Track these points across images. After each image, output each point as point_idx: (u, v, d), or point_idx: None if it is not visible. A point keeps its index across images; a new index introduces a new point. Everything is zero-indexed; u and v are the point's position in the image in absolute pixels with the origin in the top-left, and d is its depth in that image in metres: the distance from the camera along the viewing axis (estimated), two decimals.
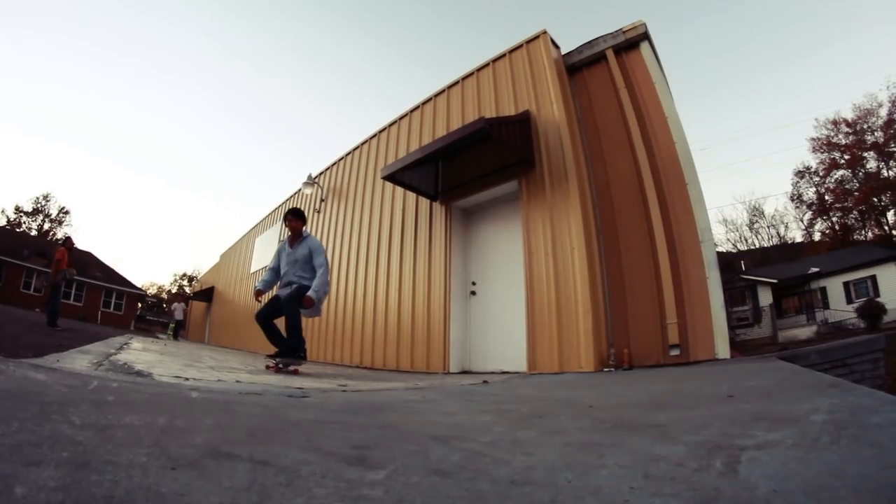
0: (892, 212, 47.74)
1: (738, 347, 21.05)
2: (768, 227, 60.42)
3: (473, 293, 7.57)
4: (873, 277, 30.87)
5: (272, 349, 5.70)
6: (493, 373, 6.52)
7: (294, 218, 5.95)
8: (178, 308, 23.93)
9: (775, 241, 59.58)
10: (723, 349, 5.22)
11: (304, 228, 6.07)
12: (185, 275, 78.03)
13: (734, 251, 58.35)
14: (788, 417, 1.61)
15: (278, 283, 6.09)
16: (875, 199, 46.73)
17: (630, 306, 5.86)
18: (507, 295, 6.92)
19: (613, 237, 6.22)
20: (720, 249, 57.09)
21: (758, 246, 59.85)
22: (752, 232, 61.13)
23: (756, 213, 60.77)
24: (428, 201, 8.27)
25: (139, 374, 3.37)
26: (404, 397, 3.25)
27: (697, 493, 1.04)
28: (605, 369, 5.46)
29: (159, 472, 1.04)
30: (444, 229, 7.86)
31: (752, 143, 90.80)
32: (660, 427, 1.72)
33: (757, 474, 1.13)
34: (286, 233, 6.19)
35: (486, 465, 1.30)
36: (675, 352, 5.41)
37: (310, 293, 5.58)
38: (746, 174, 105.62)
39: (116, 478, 0.97)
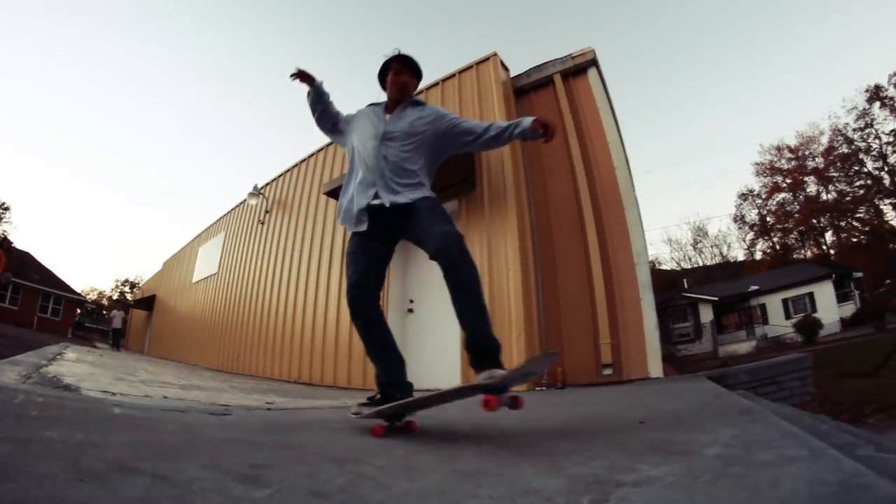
0: (829, 233, 51.24)
1: (677, 363, 21.81)
2: (711, 246, 63.49)
3: (411, 311, 7.51)
4: (811, 294, 32.86)
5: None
6: (428, 390, 6.41)
7: (407, 70, 3.00)
8: (117, 316, 23.09)
9: (718, 259, 62.71)
10: (655, 368, 5.33)
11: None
12: (127, 281, 74.48)
13: (678, 269, 60.56)
14: (684, 450, 1.58)
15: (350, 182, 2.93)
16: (814, 221, 50.16)
17: (564, 326, 5.91)
18: (444, 313, 6.77)
19: (550, 259, 6.27)
20: (664, 268, 59.89)
21: (701, 264, 62.34)
22: (695, 251, 63.90)
23: (700, 233, 64.03)
24: None
25: (67, 387, 3.32)
26: (325, 416, 3.22)
27: None
28: (538, 388, 5.48)
29: (67, 482, 1.11)
30: None
31: (698, 166, 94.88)
32: (554, 456, 1.69)
33: None
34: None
35: (365, 490, 1.30)
36: (608, 371, 5.49)
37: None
38: (692, 196, 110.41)
39: (28, 486, 1.06)
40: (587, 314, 5.80)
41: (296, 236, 10.26)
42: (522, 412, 3.12)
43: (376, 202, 2.71)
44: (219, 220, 16.00)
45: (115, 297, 69.75)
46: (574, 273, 6.04)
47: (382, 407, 2.47)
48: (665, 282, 48.80)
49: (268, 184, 12.57)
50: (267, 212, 11.98)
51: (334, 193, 7.59)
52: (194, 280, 16.71)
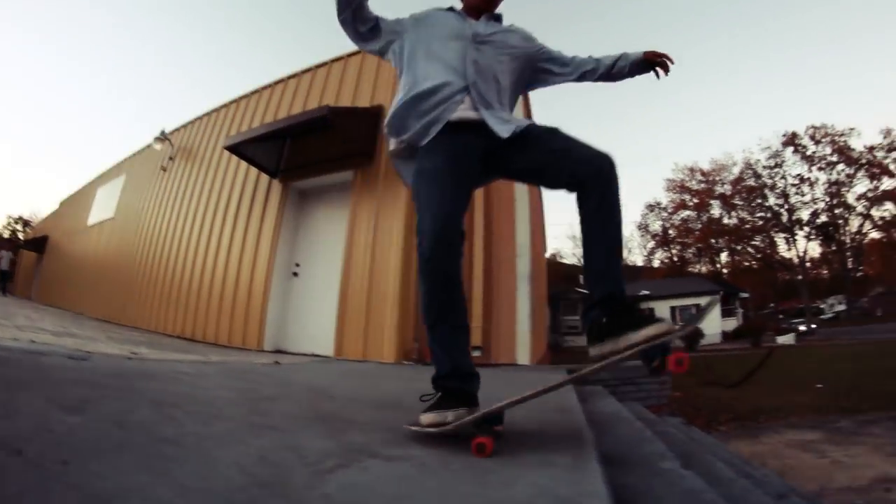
0: (725, 253, 56.39)
1: (562, 353, 22.79)
2: None
3: (296, 274, 7.43)
4: (698, 306, 34.92)
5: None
6: (303, 354, 6.46)
7: None
8: (4, 257, 21.58)
9: None
10: (523, 356, 5.50)
11: None
12: (20, 219, 69.89)
13: (579, 265, 63.37)
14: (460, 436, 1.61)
15: (414, 87, 2.11)
16: (713, 241, 54.25)
17: None
18: (327, 280, 6.83)
19: None
20: (565, 262, 62.81)
21: None
22: None
23: None
24: (268, 178, 8.00)
25: None
26: (180, 369, 3.11)
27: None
28: (406, 362, 5.55)
29: None
30: (278, 207, 7.64)
31: None
32: (345, 423, 1.83)
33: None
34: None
35: (151, 427, 1.45)
36: (477, 353, 5.59)
37: None
38: None
39: None
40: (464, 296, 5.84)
41: (194, 188, 9.87)
42: (365, 382, 3.14)
43: (469, 115, 2.03)
44: (122, 161, 15.18)
45: (4, 237, 65.16)
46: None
47: (493, 408, 1.68)
48: (563, 275, 51.10)
49: (175, 130, 12.00)
50: (171, 158, 11.45)
51: (235, 149, 7.35)
52: (89, 223, 15.76)
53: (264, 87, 9.26)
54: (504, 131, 1.97)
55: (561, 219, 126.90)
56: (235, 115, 9.75)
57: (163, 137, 11.81)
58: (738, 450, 4.96)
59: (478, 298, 5.72)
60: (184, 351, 5.30)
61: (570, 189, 1.91)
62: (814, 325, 40.87)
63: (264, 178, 8.06)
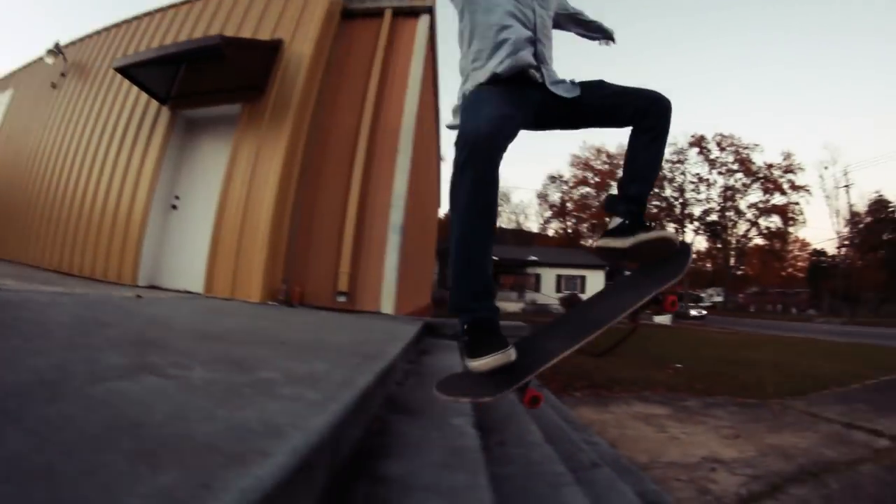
0: None
1: (446, 306, 23.21)
2: (511, 212, 68.70)
3: (175, 207, 7.15)
4: (583, 277, 39.01)
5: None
6: (177, 291, 6.31)
7: None
8: None
9: (514, 226, 67.99)
10: (387, 305, 5.59)
11: None
12: None
13: None
14: (250, 367, 1.70)
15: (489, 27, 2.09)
16: (607, 220, 56.29)
17: (312, 249, 6.01)
18: (205, 215, 6.58)
19: (315, 182, 6.28)
20: None
21: (497, 226, 67.76)
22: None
23: (503, 198, 69.67)
24: (157, 104, 7.59)
25: None
26: (35, 298, 3.03)
27: None
28: (271, 302, 5.51)
29: None
30: (164, 136, 7.29)
31: (521, 139, 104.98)
32: (142, 346, 1.88)
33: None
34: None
35: None
36: (342, 299, 5.65)
37: None
38: (507, 164, 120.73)
39: None
40: (335, 242, 5.92)
41: (83, 109, 9.22)
42: (203, 318, 3.13)
43: (533, 71, 2.06)
44: (10, 74, 14.06)
45: None
46: (333, 200, 6.11)
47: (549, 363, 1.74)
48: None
49: (70, 44, 11.14)
50: (62, 75, 10.68)
51: (125, 71, 6.95)
52: None
53: (168, 7, 8.74)
54: (568, 94, 2.10)
55: None
56: (135, 35, 9.14)
57: (56, 51, 10.98)
58: (584, 416, 5.23)
59: (348, 243, 5.74)
60: (52, 283, 5.14)
61: (633, 121, 2.10)
62: (704, 312, 44.16)
63: (154, 104, 7.64)
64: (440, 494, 1.27)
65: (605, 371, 8.15)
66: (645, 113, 2.08)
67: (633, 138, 2.13)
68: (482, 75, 2.02)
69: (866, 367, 11.21)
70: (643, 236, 2.06)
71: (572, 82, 2.15)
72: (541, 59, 2.09)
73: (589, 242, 61.68)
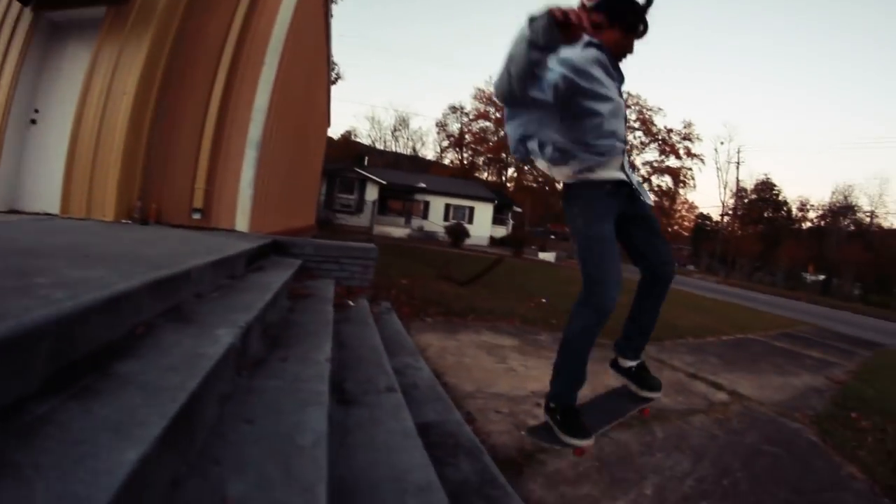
0: (512, 169, 62.21)
1: (331, 229, 23.11)
2: (408, 138, 70.51)
3: (34, 122, 6.64)
4: (472, 208, 39.64)
5: None
6: (35, 213, 5.94)
7: None
8: None
9: (410, 152, 68.96)
10: (242, 223, 5.53)
11: None
12: None
13: (373, 147, 67.88)
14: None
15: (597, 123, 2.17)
16: (504, 155, 59.00)
17: (169, 165, 5.74)
18: (67, 129, 6.15)
19: (178, 94, 5.93)
20: (359, 140, 67.04)
21: (394, 150, 69.82)
22: (393, 137, 71.50)
23: (402, 123, 71.46)
24: (19, 6, 6.88)
25: None
26: None
27: None
28: (125, 221, 5.38)
29: None
30: (23, 41, 6.58)
31: (426, 67, 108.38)
32: None
33: None
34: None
35: None
36: (197, 216, 5.56)
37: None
38: (408, 88, 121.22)
39: None
40: (192, 157, 5.72)
41: None
42: (37, 238, 3.04)
43: (623, 176, 2.33)
44: None
45: None
46: (194, 113, 5.83)
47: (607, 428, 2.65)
48: (355, 153, 52.76)
49: None
50: None
51: None
52: None
53: None
54: (649, 201, 2.45)
55: (363, 98, 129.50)
56: None
57: None
58: (427, 342, 5.22)
59: (205, 159, 5.54)
60: None
61: (645, 273, 2.57)
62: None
63: (16, 6, 6.88)
64: (145, 390, 1.36)
65: (466, 300, 8.01)
66: (657, 278, 2.57)
67: (643, 298, 2.65)
68: (595, 176, 2.28)
69: (727, 324, 11.75)
70: (647, 395, 2.81)
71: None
72: (628, 167, 2.38)
73: (484, 175, 64.02)
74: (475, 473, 2.38)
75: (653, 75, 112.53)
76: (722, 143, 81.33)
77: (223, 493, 1.24)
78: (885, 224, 59.42)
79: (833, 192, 67.85)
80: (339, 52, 54.64)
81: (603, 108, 2.12)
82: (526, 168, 57.96)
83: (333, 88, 46.38)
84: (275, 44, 6.12)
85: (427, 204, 38.67)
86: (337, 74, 44.90)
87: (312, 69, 10.17)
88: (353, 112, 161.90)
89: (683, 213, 70.67)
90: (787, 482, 3.49)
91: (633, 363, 2.80)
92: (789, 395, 5.99)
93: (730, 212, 62.03)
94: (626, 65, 2.36)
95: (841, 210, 61.78)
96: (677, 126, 62.08)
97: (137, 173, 5.52)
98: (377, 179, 35.01)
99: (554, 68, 1.99)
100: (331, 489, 1.47)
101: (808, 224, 64.91)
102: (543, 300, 9.83)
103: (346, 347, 3.37)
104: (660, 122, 55.88)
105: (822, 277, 55.57)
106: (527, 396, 4.13)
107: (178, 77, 5.93)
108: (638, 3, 2.28)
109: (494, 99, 58.41)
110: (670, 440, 3.85)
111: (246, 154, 5.63)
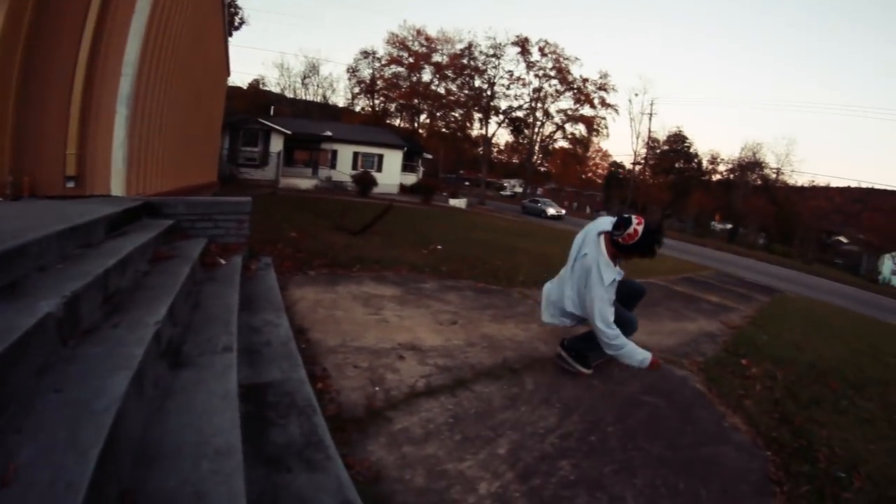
0: (424, 115, 62.20)
1: (237, 185, 22.55)
2: (318, 86, 68.35)
3: None
4: (381, 156, 39.62)
5: None
6: None
7: None
8: None
9: (321, 100, 67.93)
10: (118, 187, 5.09)
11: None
12: None
13: (282, 93, 67.20)
14: None
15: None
16: (416, 101, 58.94)
17: (40, 132, 5.03)
18: None
19: (44, 52, 5.11)
20: (271, 90, 66.37)
21: (304, 98, 68.88)
22: (303, 85, 69.88)
23: (312, 69, 69.60)
24: None
25: None
26: None
27: None
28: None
29: None
30: None
31: (338, 10, 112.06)
32: None
33: None
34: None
35: None
36: (71, 184, 5.07)
37: None
38: (317, 33, 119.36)
39: None
40: (63, 120, 5.06)
41: None
42: None
43: None
44: None
45: None
46: (60, 70, 5.05)
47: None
48: (262, 104, 51.86)
49: None
50: None
51: None
52: None
53: None
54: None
55: (272, 45, 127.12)
56: None
57: None
58: (303, 296, 5.06)
59: (75, 121, 5.00)
60: None
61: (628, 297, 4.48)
62: (562, 212, 44.65)
63: None
64: None
65: (355, 250, 7.75)
66: (635, 297, 4.66)
67: (627, 303, 4.46)
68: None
69: (629, 269, 12.09)
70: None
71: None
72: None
73: (397, 122, 64.22)
74: (302, 435, 2.33)
75: (571, 24, 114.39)
76: (637, 94, 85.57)
77: (13, 460, 1.31)
78: (790, 181, 64.65)
79: (742, 149, 76.21)
80: None
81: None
82: (438, 114, 58.22)
83: (237, 34, 44.10)
84: None
85: (335, 153, 37.92)
86: (241, 19, 42.81)
87: (202, 15, 9.43)
88: (261, 59, 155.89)
89: (597, 160, 73.57)
90: (663, 436, 3.42)
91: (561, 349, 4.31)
92: (681, 340, 6.02)
93: (642, 161, 65.06)
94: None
95: (749, 165, 66.07)
96: (594, 76, 63.22)
97: (6, 145, 4.92)
98: (282, 130, 33.87)
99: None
100: (135, 453, 1.69)
101: (718, 176, 69.23)
102: (439, 247, 9.73)
103: (200, 308, 3.28)
104: (576, 72, 56.31)
105: (729, 226, 59.89)
106: (392, 349, 4.01)
107: (46, 34, 5.26)
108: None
109: (407, 45, 58.36)
110: (540, 392, 3.73)
111: (117, 112, 5.14)
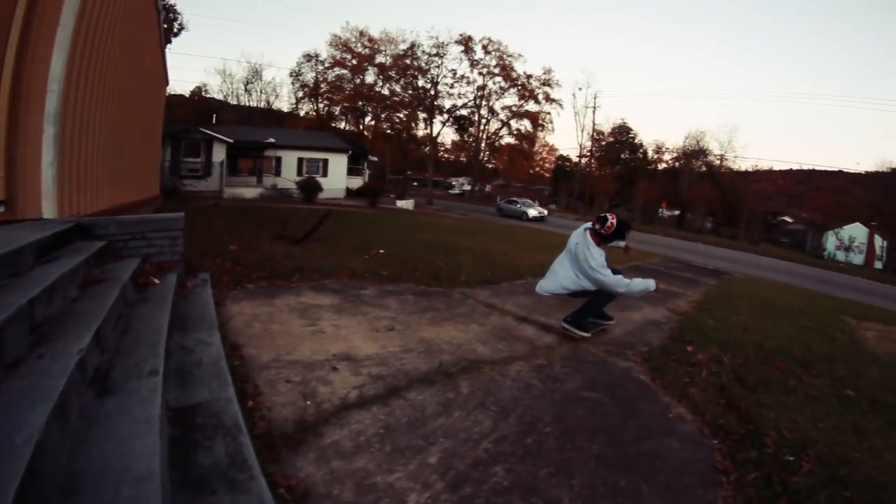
0: (369, 117, 62.76)
1: (181, 198, 21.95)
2: (261, 91, 67.71)
3: None
4: (326, 161, 39.09)
5: None
6: None
7: None
8: None
9: (265, 105, 67.36)
10: (50, 209, 4.95)
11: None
12: None
13: (225, 100, 66.09)
14: None
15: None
16: (361, 103, 58.87)
17: None
18: None
19: None
20: (213, 96, 65.57)
21: (247, 104, 67.85)
22: (246, 91, 68.83)
23: (255, 74, 68.60)
24: None
25: None
26: None
27: None
28: None
29: None
30: None
31: (280, 13, 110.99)
32: None
33: None
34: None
35: None
36: (1, 208, 4.97)
37: None
38: (259, 38, 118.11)
39: None
40: None
41: None
42: None
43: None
44: None
45: None
46: None
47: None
48: (205, 111, 51.23)
49: None
50: None
51: None
52: None
53: None
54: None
55: (212, 51, 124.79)
56: None
57: None
58: (240, 311, 4.98)
59: (1, 141, 4.80)
60: None
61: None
62: (545, 212, 41.84)
63: None
64: None
65: (296, 259, 7.65)
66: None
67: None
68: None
69: None
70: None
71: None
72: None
73: (342, 125, 64.10)
74: (227, 456, 2.33)
75: (514, 21, 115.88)
76: (580, 88, 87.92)
77: None
78: (734, 167, 68.03)
79: (686, 137, 78.98)
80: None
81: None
82: (383, 115, 58.42)
83: (177, 41, 42.91)
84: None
85: (279, 160, 37.25)
86: (180, 25, 41.75)
87: (136, 24, 9.18)
88: (203, 66, 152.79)
89: (544, 155, 74.68)
90: (604, 433, 3.38)
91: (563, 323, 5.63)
92: (625, 330, 6.09)
93: (588, 154, 66.55)
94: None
95: (693, 153, 68.72)
96: (537, 72, 64.22)
97: None
98: (224, 138, 32.99)
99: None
100: (59, 484, 1.69)
101: (664, 165, 71.85)
102: (381, 251, 9.66)
103: (130, 331, 3.25)
104: (520, 68, 57.41)
105: (676, 213, 61.67)
106: (326, 360, 3.97)
107: None
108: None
109: (350, 47, 58.07)
110: (476, 396, 3.70)
111: (45, 131, 5.01)
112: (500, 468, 2.78)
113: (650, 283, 5.44)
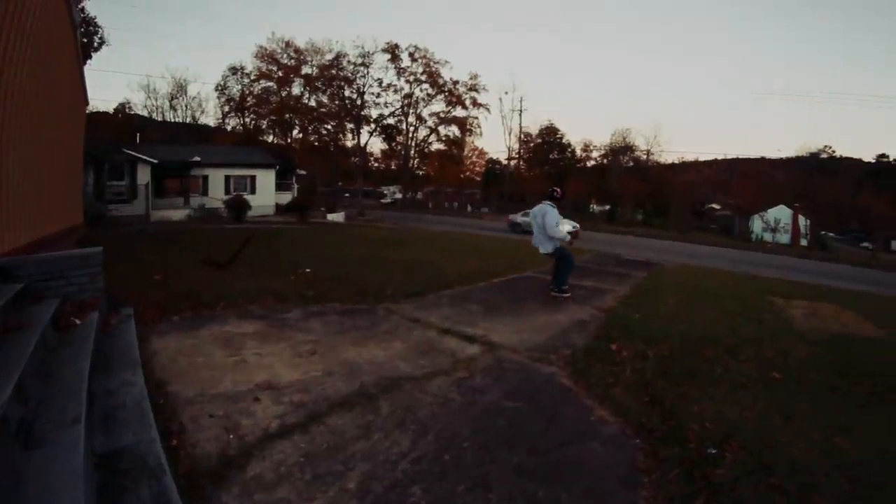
0: (297, 129, 62.13)
1: (107, 224, 20.92)
2: (186, 106, 66.24)
3: None
4: (254, 177, 38.26)
5: None
6: None
7: None
8: None
9: (190, 120, 66.51)
10: None
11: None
12: None
13: (149, 118, 63.68)
14: None
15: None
16: (288, 116, 59.89)
17: None
18: None
19: None
20: (138, 113, 62.92)
21: (173, 121, 65.76)
22: (171, 107, 66.51)
23: (180, 90, 66.32)
24: None
25: None
26: None
27: None
28: None
29: None
30: None
31: (203, 26, 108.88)
32: None
33: None
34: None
35: None
36: None
37: None
38: (187, 53, 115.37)
39: None
40: None
41: None
42: None
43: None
44: None
45: None
46: None
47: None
48: (130, 130, 49.95)
49: None
50: None
51: None
52: None
53: None
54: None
55: (134, 68, 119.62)
56: None
57: None
58: (165, 345, 4.88)
59: None
60: None
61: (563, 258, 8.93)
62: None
63: None
64: None
65: (221, 284, 7.50)
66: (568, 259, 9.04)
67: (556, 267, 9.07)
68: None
69: (505, 264, 12.22)
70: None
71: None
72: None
73: (270, 139, 63.34)
74: (152, 498, 2.37)
75: (439, 28, 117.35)
76: (506, 92, 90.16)
77: None
78: (661, 160, 72.89)
79: (613, 134, 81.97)
80: (99, 12, 48.81)
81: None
82: (310, 127, 58.25)
83: (98, 56, 40.96)
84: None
85: (206, 178, 35.90)
86: (100, 39, 39.88)
87: (47, 44, 8.89)
88: (127, 82, 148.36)
89: (474, 159, 75.95)
90: (524, 442, 3.39)
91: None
92: (550, 334, 6.12)
93: (516, 156, 69.14)
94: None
95: (620, 149, 72.04)
96: (464, 78, 65.64)
97: None
98: (148, 159, 31.67)
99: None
100: None
101: (592, 163, 75.12)
102: (307, 270, 9.49)
103: (53, 378, 3.24)
104: (447, 75, 58.35)
105: (607, 207, 63.87)
106: (249, 391, 3.96)
107: None
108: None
109: (276, 59, 57.41)
110: (395, 416, 3.70)
111: None
112: (417, 488, 2.81)
113: (566, 236, 8.84)
